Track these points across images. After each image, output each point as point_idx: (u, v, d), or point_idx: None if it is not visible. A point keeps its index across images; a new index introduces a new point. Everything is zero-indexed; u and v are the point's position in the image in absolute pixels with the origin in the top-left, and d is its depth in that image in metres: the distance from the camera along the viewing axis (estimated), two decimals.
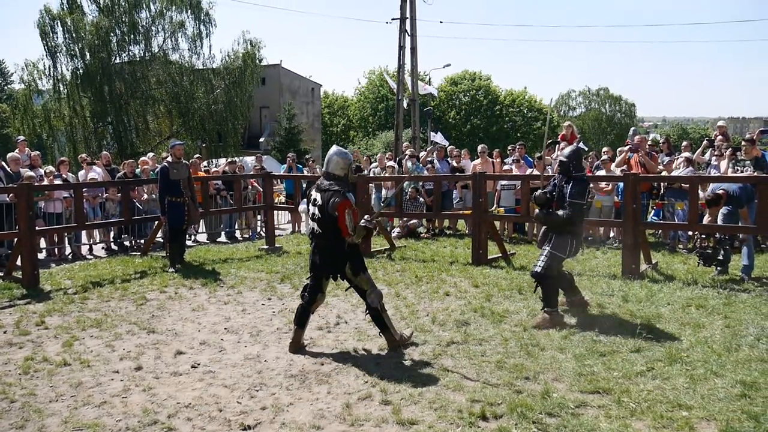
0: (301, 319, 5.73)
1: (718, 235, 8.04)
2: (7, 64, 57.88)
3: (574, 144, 7.44)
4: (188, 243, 11.60)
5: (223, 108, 30.54)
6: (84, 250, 11.52)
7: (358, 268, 5.58)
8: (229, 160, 16.00)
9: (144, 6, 29.21)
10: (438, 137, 19.89)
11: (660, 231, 11.43)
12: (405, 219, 12.42)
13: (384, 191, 13.09)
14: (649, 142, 12.61)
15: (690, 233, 10.07)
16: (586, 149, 14.44)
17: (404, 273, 8.90)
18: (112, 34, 28.56)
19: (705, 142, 12.37)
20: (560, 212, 6.35)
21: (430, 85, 33.33)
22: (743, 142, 9.84)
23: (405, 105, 24.94)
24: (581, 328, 6.06)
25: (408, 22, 24.10)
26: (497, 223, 10.77)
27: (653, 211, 11.31)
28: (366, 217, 5.65)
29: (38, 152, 12.66)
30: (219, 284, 8.44)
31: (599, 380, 4.75)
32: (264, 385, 4.91)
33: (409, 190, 12.48)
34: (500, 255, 9.60)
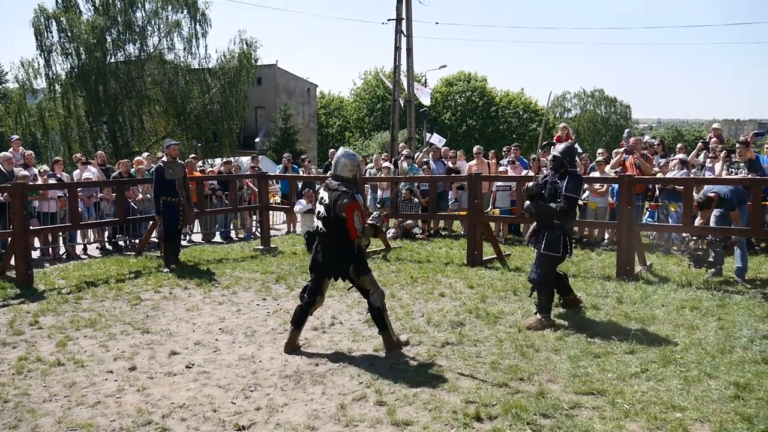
0: (299, 320, 5.72)
1: (709, 237, 8.08)
2: (2, 63, 57.74)
3: (569, 141, 7.44)
4: (183, 243, 11.57)
5: (218, 108, 30.47)
6: (78, 249, 11.48)
7: (362, 269, 5.58)
8: (224, 160, 15.99)
9: (139, 5, 29.13)
10: (434, 138, 19.89)
11: (655, 233, 11.46)
12: (400, 220, 12.42)
13: (380, 192, 13.09)
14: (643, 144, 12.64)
15: (684, 235, 10.11)
16: (581, 151, 14.48)
17: (399, 274, 8.90)
18: (107, 34, 28.48)
19: (699, 144, 12.42)
20: (553, 205, 6.36)
21: (425, 87, 33.32)
22: (737, 145, 9.88)
23: (402, 103, 24.94)
24: (576, 330, 6.07)
25: (404, 22, 24.10)
26: (492, 224, 10.79)
27: (648, 213, 11.34)
28: (375, 214, 5.67)
29: (31, 152, 12.62)
30: (214, 284, 8.43)
31: (593, 381, 4.77)
32: (258, 386, 4.90)
33: (404, 191, 12.48)
34: (495, 256, 9.61)
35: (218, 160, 21.25)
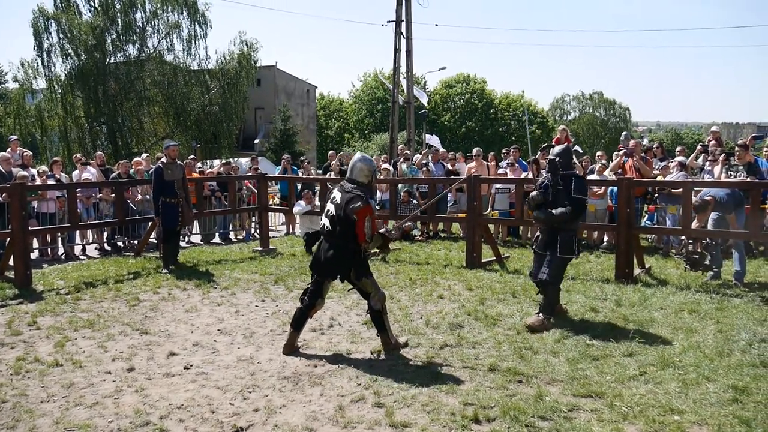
0: (298, 322, 5.72)
1: (705, 241, 8.09)
2: (1, 64, 57.75)
3: (566, 144, 7.45)
4: (182, 244, 11.56)
5: (218, 109, 30.49)
6: (77, 250, 11.47)
7: (363, 272, 5.57)
8: (223, 161, 15.98)
9: (139, 6, 29.15)
10: (433, 140, 19.92)
11: (654, 235, 11.47)
12: (399, 221, 12.41)
13: (379, 194, 13.09)
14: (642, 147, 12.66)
15: (681, 238, 10.12)
16: (581, 151, 14.49)
17: (398, 275, 8.90)
18: (106, 34, 28.49)
19: (699, 147, 12.43)
20: (562, 209, 6.36)
21: (425, 89, 33.38)
22: (736, 148, 9.89)
23: (401, 102, 24.97)
24: (574, 332, 6.07)
25: (404, 24, 24.15)
26: (491, 227, 10.79)
27: (647, 216, 11.35)
28: (395, 224, 5.67)
29: (30, 152, 12.60)
30: (212, 286, 8.42)
31: (592, 384, 4.77)
32: (257, 387, 4.90)
33: (403, 192, 12.48)
34: (494, 258, 9.61)
35: (217, 161, 21.24)
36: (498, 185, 12.04)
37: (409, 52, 24.34)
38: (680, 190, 8.85)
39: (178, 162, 9.89)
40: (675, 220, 10.05)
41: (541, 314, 6.32)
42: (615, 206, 9.91)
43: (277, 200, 15.55)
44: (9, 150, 11.69)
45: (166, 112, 30.40)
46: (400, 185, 12.14)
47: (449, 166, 13.63)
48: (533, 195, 6.68)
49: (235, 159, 23.21)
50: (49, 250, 11.21)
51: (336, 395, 4.71)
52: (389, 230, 5.73)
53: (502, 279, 8.55)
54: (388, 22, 24.84)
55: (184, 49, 30.16)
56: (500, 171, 12.96)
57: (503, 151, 14.48)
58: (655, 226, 10.81)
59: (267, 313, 7.05)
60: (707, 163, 10.94)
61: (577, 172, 7.65)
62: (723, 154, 10.33)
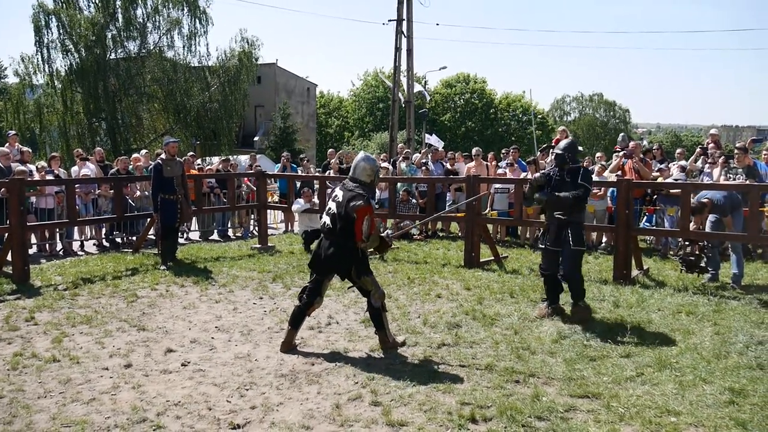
0: (296, 320, 5.72)
1: (701, 243, 8.11)
2: (1, 58, 57.64)
3: (570, 138, 7.44)
4: (180, 241, 11.56)
5: (218, 106, 30.45)
6: (75, 246, 11.46)
7: (363, 270, 5.59)
8: (222, 158, 15.96)
9: (140, 2, 29.11)
10: (433, 139, 19.90)
11: (652, 237, 11.48)
12: (397, 221, 12.42)
13: (378, 192, 13.09)
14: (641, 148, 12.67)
15: (679, 240, 10.14)
16: (582, 150, 14.52)
17: (396, 274, 8.90)
18: (107, 30, 28.44)
19: (698, 149, 12.45)
20: (566, 193, 6.37)
21: (425, 87, 33.39)
22: (736, 151, 9.90)
23: (402, 102, 24.95)
24: (572, 333, 6.08)
25: (405, 23, 24.12)
26: (490, 226, 10.80)
27: (645, 217, 11.36)
28: (393, 222, 5.71)
29: (28, 149, 12.57)
30: (210, 282, 8.42)
31: (589, 385, 4.77)
32: (254, 385, 4.90)
33: (402, 192, 12.48)
34: (492, 258, 9.62)
35: (216, 158, 21.21)
36: (497, 185, 12.05)
37: (409, 51, 24.32)
38: (678, 191, 8.87)
39: (178, 159, 9.88)
40: (673, 222, 10.06)
41: (578, 304, 6.52)
42: (614, 207, 9.91)
43: (276, 198, 15.54)
44: (7, 145, 11.66)
45: (165, 108, 30.37)
46: (399, 184, 12.13)
47: (448, 166, 13.64)
48: (536, 176, 6.73)
49: (235, 156, 23.21)
50: (47, 245, 11.19)
51: (333, 393, 4.71)
52: (389, 234, 5.74)
53: (500, 279, 8.55)
54: (389, 20, 24.83)
55: (184, 46, 30.12)
56: (499, 171, 12.97)
57: (503, 151, 14.48)
58: (654, 227, 10.81)
59: (265, 311, 7.05)
60: (706, 165, 10.95)
61: (588, 165, 7.70)
62: (722, 157, 10.35)
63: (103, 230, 11.90)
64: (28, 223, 8.92)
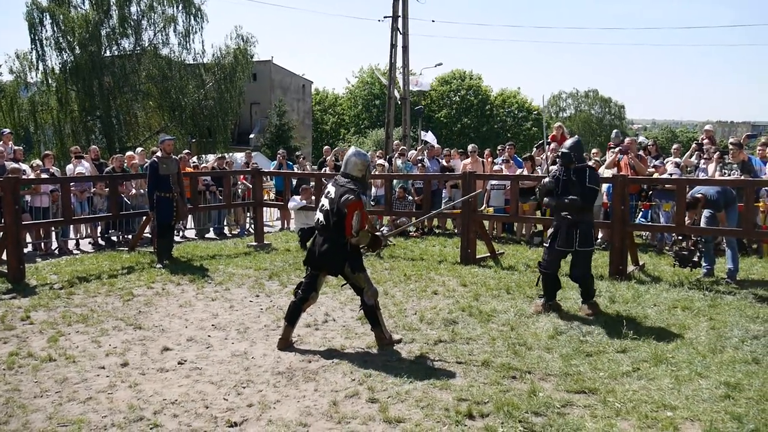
0: (292, 316, 5.72)
1: (694, 237, 8.14)
2: None
3: (576, 137, 7.43)
4: (176, 239, 11.54)
5: (213, 104, 30.39)
6: (71, 244, 11.43)
7: (357, 266, 5.60)
8: (218, 155, 15.93)
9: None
10: (429, 136, 19.89)
11: (648, 233, 11.51)
12: (394, 217, 12.42)
13: (374, 189, 13.08)
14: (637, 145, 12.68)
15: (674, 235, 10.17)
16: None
17: (393, 271, 8.90)
18: (101, 28, 28.33)
19: (694, 145, 12.47)
20: (573, 197, 6.39)
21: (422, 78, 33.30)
22: (730, 146, 9.92)
23: (398, 99, 24.93)
24: (568, 328, 6.10)
25: (400, 20, 24.11)
26: (486, 223, 10.80)
27: (641, 213, 11.38)
28: (384, 230, 5.71)
29: (21, 147, 12.51)
30: (207, 281, 8.41)
31: (585, 380, 4.78)
32: (251, 382, 4.90)
33: (398, 188, 12.48)
34: (489, 254, 9.62)
35: (212, 156, 21.19)
36: (493, 182, 12.05)
37: (405, 48, 24.31)
38: (674, 187, 8.89)
39: (174, 156, 9.86)
40: (669, 218, 10.08)
41: (588, 303, 6.58)
42: (610, 203, 9.92)
43: (272, 195, 15.52)
44: (1, 143, 11.60)
45: (160, 106, 30.30)
46: (395, 181, 12.13)
47: (444, 163, 13.64)
48: (544, 182, 6.71)
49: (230, 154, 23.18)
50: (42, 244, 11.16)
51: (330, 390, 4.71)
52: (384, 234, 5.75)
53: (497, 275, 8.56)
54: (384, 17, 24.84)
55: (179, 43, 30.06)
56: (495, 167, 12.97)
57: (498, 147, 14.48)
58: (649, 223, 10.83)
59: (261, 309, 7.05)
60: (702, 161, 10.97)
61: (591, 164, 7.72)
62: (717, 152, 10.36)
63: (99, 229, 11.87)
64: (23, 222, 8.89)
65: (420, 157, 13.99)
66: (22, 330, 6.26)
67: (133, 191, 12.12)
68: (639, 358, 5.28)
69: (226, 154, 19.05)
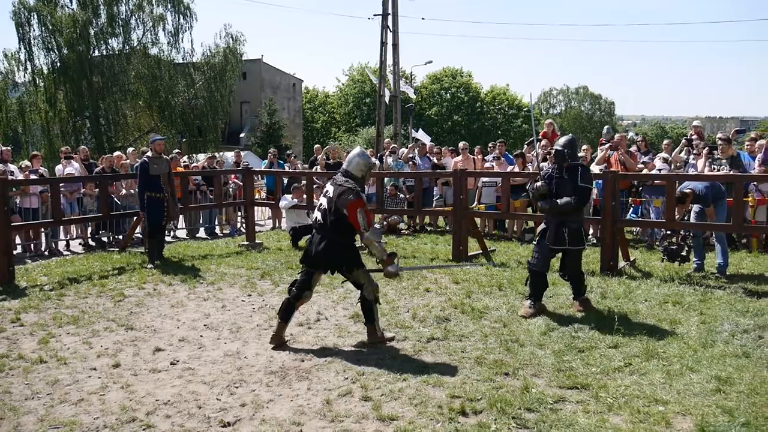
0: (286, 313, 5.72)
1: (682, 232, 8.19)
2: None
3: (570, 135, 7.44)
4: (167, 239, 11.49)
5: (203, 103, 30.28)
6: (61, 245, 11.36)
7: (355, 263, 5.60)
8: (208, 155, 15.87)
9: None
10: (420, 134, 19.91)
11: (638, 228, 11.57)
12: (385, 215, 12.42)
13: (365, 188, 13.05)
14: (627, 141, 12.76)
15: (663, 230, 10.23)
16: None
17: None
18: (90, 27, 28.13)
19: (683, 140, 12.55)
20: (567, 199, 6.37)
21: (411, 84, 33.39)
22: (719, 141, 9.99)
23: (387, 99, 24.92)
24: (560, 325, 6.12)
25: (390, 18, 24.11)
26: (478, 220, 10.82)
27: (631, 209, 11.44)
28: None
29: (9, 147, 12.41)
30: (198, 280, 8.38)
31: (577, 376, 4.81)
32: (244, 382, 4.89)
33: (389, 186, 12.49)
34: (480, 251, 9.65)
35: (203, 155, 21.10)
36: (484, 179, 12.07)
37: (395, 46, 24.32)
38: (664, 182, 8.93)
39: (164, 156, 9.81)
40: (659, 213, 10.13)
41: (579, 299, 6.59)
42: (600, 199, 9.96)
43: (263, 194, 15.49)
44: None
45: (150, 106, 30.14)
46: (386, 179, 12.12)
47: (435, 160, 13.64)
48: (538, 185, 6.66)
49: (221, 153, 23.08)
50: (32, 245, 11.08)
51: (323, 389, 4.71)
52: (400, 269, 5.80)
53: (489, 272, 8.58)
54: (374, 15, 24.86)
55: (168, 43, 29.94)
56: (486, 165, 13.00)
57: (489, 144, 14.51)
58: (640, 219, 10.89)
59: (253, 308, 7.03)
60: (691, 156, 11.05)
61: (584, 162, 7.72)
62: (706, 148, 10.43)
63: (89, 229, 11.80)
64: (12, 223, 8.81)
65: (411, 155, 14.00)
66: (13, 332, 6.21)
67: (123, 191, 12.05)
68: (630, 353, 5.31)
69: (216, 154, 18.95)
